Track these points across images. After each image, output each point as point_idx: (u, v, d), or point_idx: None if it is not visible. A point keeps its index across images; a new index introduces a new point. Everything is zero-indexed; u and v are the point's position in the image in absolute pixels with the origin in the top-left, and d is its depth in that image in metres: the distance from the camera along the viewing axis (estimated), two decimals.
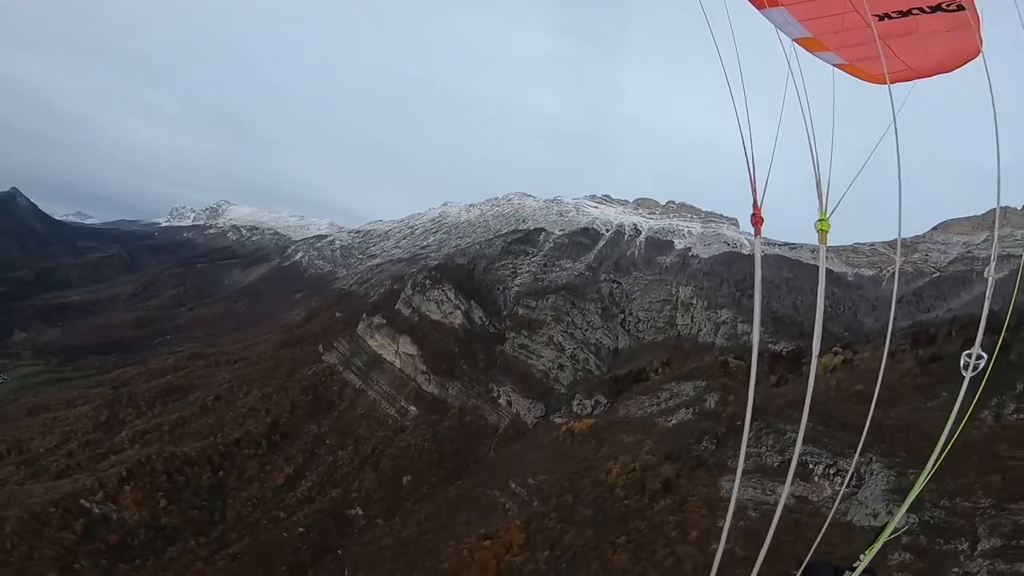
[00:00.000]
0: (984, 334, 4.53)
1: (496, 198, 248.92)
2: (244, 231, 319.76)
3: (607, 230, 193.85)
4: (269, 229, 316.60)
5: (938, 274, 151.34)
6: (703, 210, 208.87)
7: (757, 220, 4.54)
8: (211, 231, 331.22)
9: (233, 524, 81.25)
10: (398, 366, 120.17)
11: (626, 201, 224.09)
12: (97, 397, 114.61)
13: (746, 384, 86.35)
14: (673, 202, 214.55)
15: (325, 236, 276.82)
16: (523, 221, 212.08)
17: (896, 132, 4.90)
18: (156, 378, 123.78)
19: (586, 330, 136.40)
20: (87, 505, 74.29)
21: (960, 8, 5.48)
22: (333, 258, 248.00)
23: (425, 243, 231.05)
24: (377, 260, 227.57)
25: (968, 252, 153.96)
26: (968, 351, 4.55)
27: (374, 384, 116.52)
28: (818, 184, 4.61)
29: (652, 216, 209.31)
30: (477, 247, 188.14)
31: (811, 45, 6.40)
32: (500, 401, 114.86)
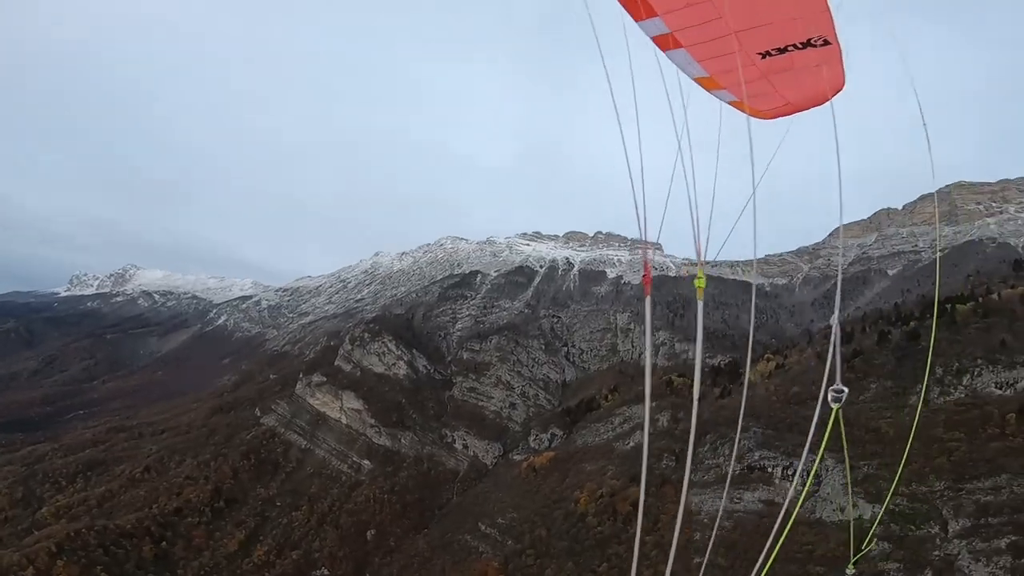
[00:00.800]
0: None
1: (428, 244, 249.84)
2: (157, 297, 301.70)
3: (541, 266, 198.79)
4: (186, 293, 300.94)
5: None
6: (628, 238, 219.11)
7: (647, 280, 5.05)
8: (119, 299, 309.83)
9: None
10: (344, 422, 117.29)
11: (556, 236, 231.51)
12: (8, 475, 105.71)
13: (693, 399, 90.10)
14: (601, 233, 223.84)
15: (250, 297, 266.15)
16: (458, 265, 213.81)
17: (753, 169, 5.60)
18: (73, 453, 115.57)
19: (532, 367, 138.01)
20: None
21: (826, 43, 6.09)
22: (261, 319, 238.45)
23: (359, 296, 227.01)
24: (310, 317, 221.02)
25: (864, 253, 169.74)
26: (833, 386, 5.35)
27: (321, 442, 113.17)
28: (697, 249, 5.11)
29: (583, 248, 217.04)
30: (414, 295, 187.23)
31: (708, 84, 6.93)
32: (456, 446, 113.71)
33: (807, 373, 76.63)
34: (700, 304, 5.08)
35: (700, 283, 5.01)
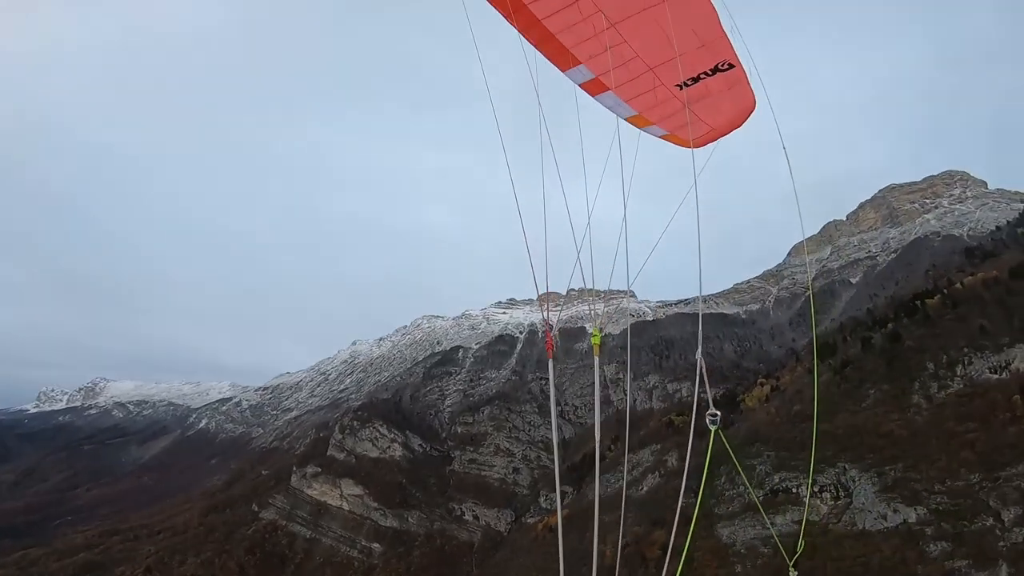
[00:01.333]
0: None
1: (405, 326, 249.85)
2: (131, 407, 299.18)
3: (520, 332, 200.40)
4: (162, 400, 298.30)
5: (809, 292, 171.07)
6: (602, 291, 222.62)
7: (549, 346, 5.61)
8: (92, 411, 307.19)
9: None
10: (347, 508, 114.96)
11: (530, 300, 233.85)
12: None
13: (697, 435, 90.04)
14: (573, 290, 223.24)
15: (230, 398, 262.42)
16: (438, 343, 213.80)
17: (697, 196, 6.08)
18: (67, 557, 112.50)
19: (529, 430, 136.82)
20: None
21: (731, 66, 6.41)
22: (244, 419, 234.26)
23: (342, 386, 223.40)
24: (294, 412, 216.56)
25: (824, 267, 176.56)
26: (708, 412, 5.93)
27: (326, 531, 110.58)
28: (592, 312, 6.00)
29: (557, 308, 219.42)
30: (398, 379, 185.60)
31: (638, 122, 7.15)
32: (466, 518, 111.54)
33: (803, 391, 77.71)
34: (597, 360, 6.01)
35: (596, 340, 5.90)
